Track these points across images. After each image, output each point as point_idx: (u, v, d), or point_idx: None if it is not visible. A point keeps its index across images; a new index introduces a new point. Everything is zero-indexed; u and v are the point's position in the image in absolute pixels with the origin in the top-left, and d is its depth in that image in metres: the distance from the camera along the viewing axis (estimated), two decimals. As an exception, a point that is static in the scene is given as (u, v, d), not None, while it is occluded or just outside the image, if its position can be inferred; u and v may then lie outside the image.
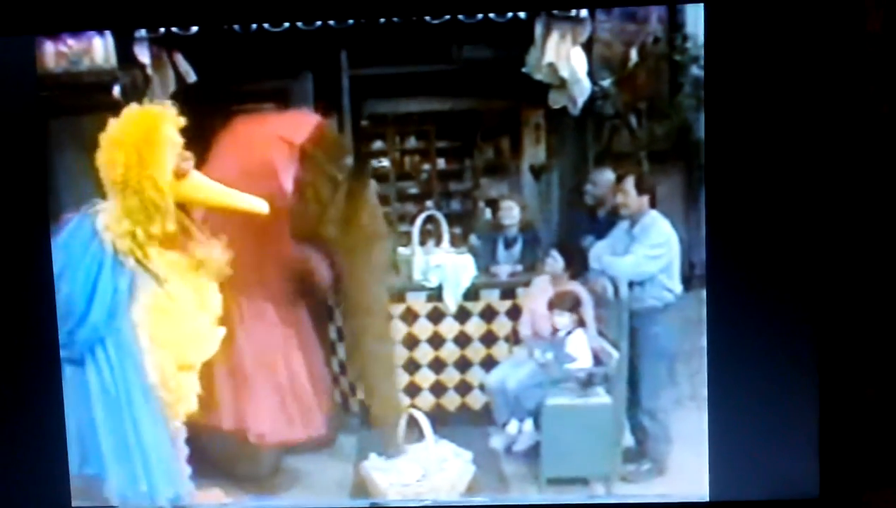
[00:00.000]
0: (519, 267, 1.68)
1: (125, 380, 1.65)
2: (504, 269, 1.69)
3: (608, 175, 1.62)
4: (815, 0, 1.49)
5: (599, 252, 1.64)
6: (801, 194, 1.53)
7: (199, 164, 1.63)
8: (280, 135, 1.65)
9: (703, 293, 1.57)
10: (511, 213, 1.67)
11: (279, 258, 1.67)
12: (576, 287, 1.66)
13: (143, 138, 1.59)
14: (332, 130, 1.64)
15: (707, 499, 1.60)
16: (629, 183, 1.61)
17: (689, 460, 1.61)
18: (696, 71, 1.55)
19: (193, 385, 1.66)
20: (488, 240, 1.69)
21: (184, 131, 1.62)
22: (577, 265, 1.65)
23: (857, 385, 1.55)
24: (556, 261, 1.66)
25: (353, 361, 1.71)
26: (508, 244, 1.69)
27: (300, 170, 1.65)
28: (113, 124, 1.61)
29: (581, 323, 1.68)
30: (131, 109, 1.61)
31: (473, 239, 1.69)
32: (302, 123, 1.64)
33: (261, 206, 1.62)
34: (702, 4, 1.53)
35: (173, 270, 1.65)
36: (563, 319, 1.69)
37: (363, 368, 1.70)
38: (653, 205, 1.61)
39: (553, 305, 1.68)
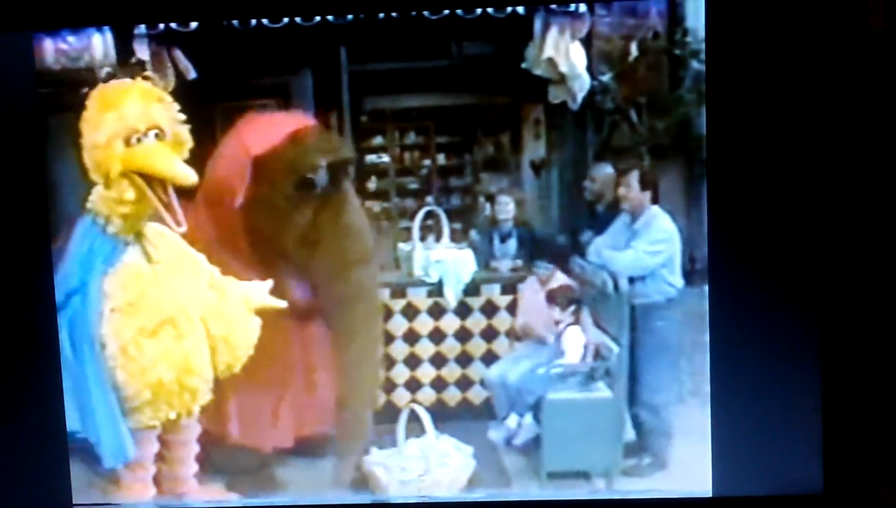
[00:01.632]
0: (518, 262, 1.64)
1: (84, 335, 1.61)
2: (505, 264, 1.64)
3: (607, 169, 1.58)
4: (816, -5, 1.45)
5: (599, 246, 1.60)
6: (803, 189, 1.48)
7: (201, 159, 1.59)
8: (244, 142, 1.59)
9: (705, 288, 1.53)
10: (506, 208, 1.63)
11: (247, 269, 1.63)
12: (571, 282, 1.61)
13: (103, 102, 1.56)
14: (305, 139, 1.58)
15: (710, 494, 1.56)
16: (633, 177, 1.57)
17: (691, 455, 1.56)
18: (697, 65, 1.51)
19: (157, 353, 1.60)
20: (486, 235, 1.64)
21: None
22: (563, 261, 1.60)
23: (860, 379, 1.51)
24: (546, 270, 1.62)
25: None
26: (503, 239, 1.64)
27: (253, 184, 1.59)
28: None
29: (577, 318, 1.63)
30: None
31: (473, 234, 1.64)
32: (268, 132, 1.59)
33: (189, 176, 1.56)
34: (703, -2, 1.49)
35: (170, 251, 1.61)
36: (560, 314, 1.64)
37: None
38: (655, 200, 1.57)
39: (551, 299, 1.64)
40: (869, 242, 1.47)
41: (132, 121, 1.55)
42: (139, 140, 1.55)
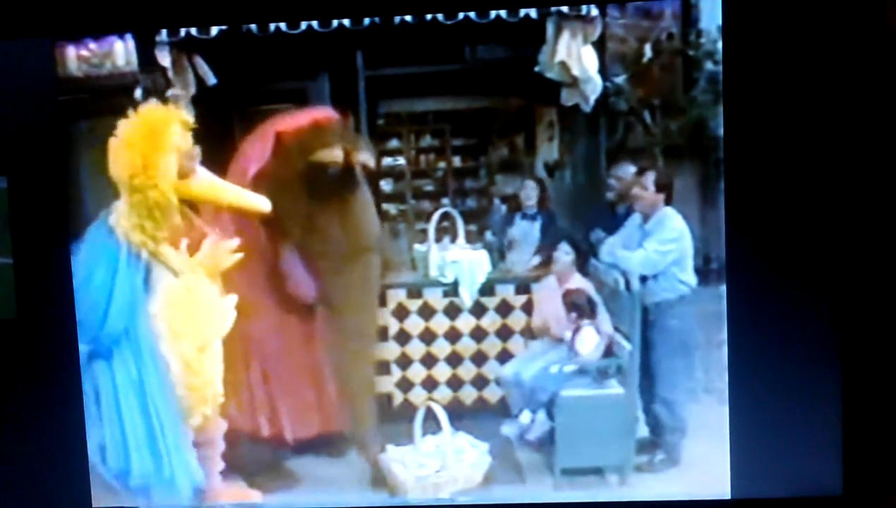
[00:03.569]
0: (536, 259, 1.56)
1: (147, 372, 1.54)
2: (526, 250, 1.56)
3: (631, 169, 1.50)
4: (833, -6, 1.37)
5: (612, 246, 1.52)
6: (821, 188, 1.40)
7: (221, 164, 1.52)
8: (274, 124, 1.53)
9: (721, 287, 1.45)
10: (532, 194, 1.55)
11: (258, 252, 1.56)
12: (585, 284, 1.53)
13: (148, 140, 1.50)
14: (328, 127, 1.51)
15: (729, 496, 1.48)
16: (649, 178, 1.49)
17: (706, 454, 1.49)
18: (711, 66, 1.43)
19: (216, 364, 1.54)
20: (502, 234, 1.57)
21: (199, 132, 1.51)
22: (584, 257, 1.53)
23: (880, 382, 1.42)
24: (567, 254, 1.54)
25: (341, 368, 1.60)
26: (526, 217, 1.57)
27: (272, 159, 1.52)
28: (123, 125, 1.51)
29: (592, 319, 1.55)
30: (141, 110, 1.51)
31: (488, 235, 1.57)
32: (301, 116, 1.52)
33: (262, 204, 1.52)
34: (719, -1, 1.41)
35: (187, 261, 1.54)
36: (574, 316, 1.56)
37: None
38: (668, 201, 1.49)
39: (566, 301, 1.56)
40: (889, 243, 1.39)
41: (185, 159, 1.50)
42: (189, 170, 1.51)
